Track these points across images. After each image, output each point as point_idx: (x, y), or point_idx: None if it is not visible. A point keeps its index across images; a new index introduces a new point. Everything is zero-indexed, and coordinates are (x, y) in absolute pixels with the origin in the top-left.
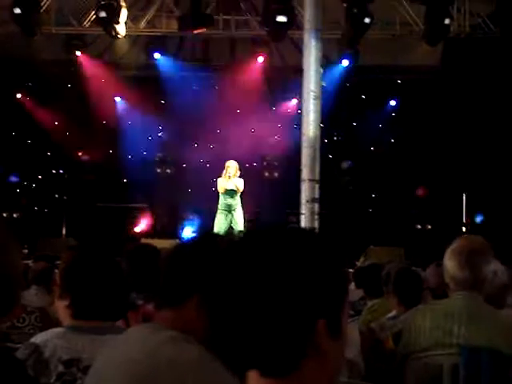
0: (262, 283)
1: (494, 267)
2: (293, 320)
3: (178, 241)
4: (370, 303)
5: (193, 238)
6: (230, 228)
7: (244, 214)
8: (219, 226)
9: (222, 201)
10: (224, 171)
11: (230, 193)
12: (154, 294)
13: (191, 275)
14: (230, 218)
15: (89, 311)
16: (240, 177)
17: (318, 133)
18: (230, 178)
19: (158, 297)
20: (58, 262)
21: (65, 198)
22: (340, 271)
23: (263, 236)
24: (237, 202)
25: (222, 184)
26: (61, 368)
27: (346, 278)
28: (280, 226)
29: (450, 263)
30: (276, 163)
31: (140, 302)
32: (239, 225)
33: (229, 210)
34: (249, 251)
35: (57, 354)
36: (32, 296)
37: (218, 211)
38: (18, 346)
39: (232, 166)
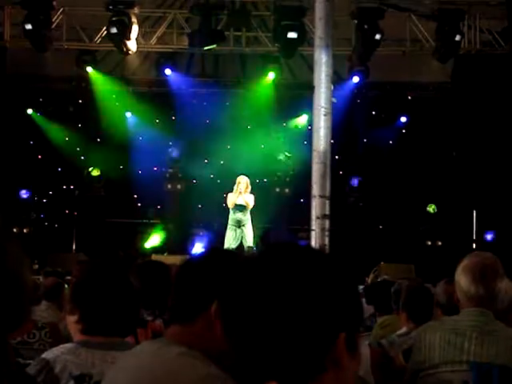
0: (285, 297)
1: (504, 284)
2: (315, 332)
3: (188, 256)
4: (380, 319)
5: (200, 255)
6: (240, 244)
7: (254, 229)
8: (229, 241)
9: (232, 216)
10: (235, 186)
11: (240, 208)
12: (162, 310)
13: (200, 292)
14: (240, 233)
15: (98, 327)
16: (251, 192)
17: (329, 149)
18: (241, 194)
19: (168, 313)
20: (68, 278)
21: (75, 213)
22: (356, 288)
23: (283, 252)
24: (247, 217)
25: (232, 199)
26: (72, 383)
27: (359, 297)
28: (299, 243)
29: (463, 279)
30: (287, 179)
31: (149, 318)
32: (249, 240)
33: (238, 225)
34: (270, 268)
35: (67, 369)
36: (42, 311)
37: (228, 226)
38: (28, 361)
39: (243, 182)
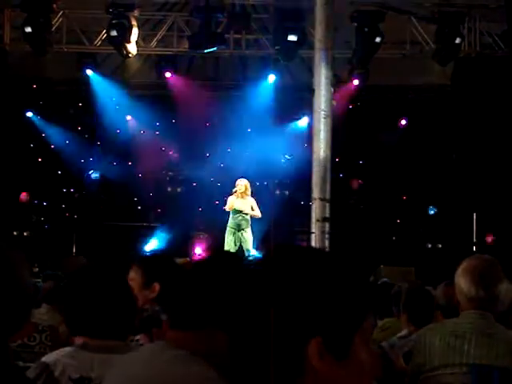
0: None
1: (504, 286)
2: (285, 334)
3: (188, 259)
4: (380, 322)
5: (206, 260)
6: (240, 247)
7: (253, 233)
8: (228, 244)
9: (231, 219)
10: (234, 190)
11: (240, 212)
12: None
13: (207, 301)
14: (239, 236)
15: (96, 329)
16: (251, 196)
17: (329, 152)
18: (243, 197)
19: (169, 315)
20: None
21: (75, 216)
22: (349, 292)
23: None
24: (247, 221)
25: (231, 202)
26: None
27: (359, 301)
28: (293, 247)
29: (462, 281)
30: (287, 182)
31: (164, 318)
32: (249, 244)
33: (238, 228)
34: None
35: (67, 372)
36: (43, 315)
37: (227, 229)
38: (29, 364)
39: (242, 185)
